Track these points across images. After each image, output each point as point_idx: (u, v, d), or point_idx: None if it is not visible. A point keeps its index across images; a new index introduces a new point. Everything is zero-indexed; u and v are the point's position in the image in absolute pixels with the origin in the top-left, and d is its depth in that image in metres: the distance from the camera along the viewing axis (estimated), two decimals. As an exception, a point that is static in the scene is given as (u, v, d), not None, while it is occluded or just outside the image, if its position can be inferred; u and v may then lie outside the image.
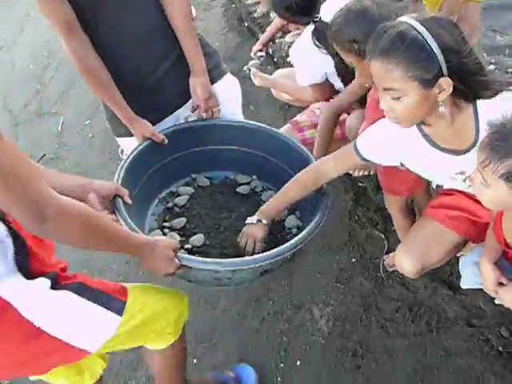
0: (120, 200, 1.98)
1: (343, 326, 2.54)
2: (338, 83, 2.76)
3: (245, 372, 2.47)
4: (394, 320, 2.47)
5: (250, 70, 3.33)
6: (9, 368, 1.58)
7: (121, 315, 1.65)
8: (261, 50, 3.94)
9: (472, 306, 2.38)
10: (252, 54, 3.85)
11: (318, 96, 2.94)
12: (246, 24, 4.97)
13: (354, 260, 2.78)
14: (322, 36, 2.54)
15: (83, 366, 1.93)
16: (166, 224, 2.33)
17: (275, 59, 4.27)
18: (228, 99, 2.57)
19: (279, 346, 2.57)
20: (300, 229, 2.30)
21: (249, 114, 4.02)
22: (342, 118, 2.74)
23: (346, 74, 2.58)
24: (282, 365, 2.50)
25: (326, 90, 2.88)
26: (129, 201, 2.01)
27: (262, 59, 3.85)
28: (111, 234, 1.51)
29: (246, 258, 1.94)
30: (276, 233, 2.30)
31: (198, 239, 2.21)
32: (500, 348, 2.22)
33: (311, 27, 2.64)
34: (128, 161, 2.23)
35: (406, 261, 2.08)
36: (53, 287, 1.53)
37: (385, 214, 2.86)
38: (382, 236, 2.79)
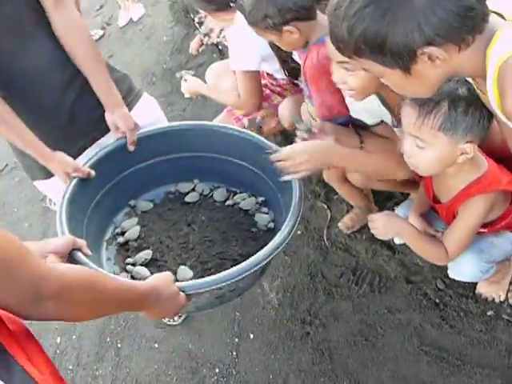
0: (79, 254, 1.68)
1: (292, 296, 2.61)
2: (274, 66, 2.80)
3: None
4: (339, 285, 2.55)
5: (181, 76, 3.32)
6: None
7: None
8: (201, 46, 3.98)
9: (410, 264, 2.47)
10: (193, 52, 3.89)
11: (247, 93, 2.79)
12: (192, 16, 5.02)
13: (299, 232, 2.85)
14: None
15: None
16: (129, 260, 2.06)
17: (220, 47, 4.33)
18: (151, 122, 2.30)
19: (233, 322, 2.65)
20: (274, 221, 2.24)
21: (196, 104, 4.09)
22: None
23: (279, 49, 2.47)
24: (236, 339, 2.57)
25: (257, 88, 2.80)
26: (88, 252, 1.71)
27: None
28: (119, 292, 1.30)
29: (245, 263, 1.74)
30: (249, 227, 2.23)
31: (184, 272, 1.98)
32: (436, 300, 2.31)
33: None
34: (63, 210, 1.92)
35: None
36: None
37: (327, 186, 2.94)
38: (325, 206, 2.87)
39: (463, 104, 1.57)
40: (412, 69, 1.23)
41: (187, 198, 2.37)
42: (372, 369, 2.24)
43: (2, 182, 4.68)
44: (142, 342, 2.75)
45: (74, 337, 2.92)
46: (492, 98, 1.29)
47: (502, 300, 2.18)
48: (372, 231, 1.91)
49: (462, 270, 1.93)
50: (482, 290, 2.22)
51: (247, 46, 2.69)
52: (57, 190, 2.16)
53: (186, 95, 3.23)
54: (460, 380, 2.09)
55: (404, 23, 1.14)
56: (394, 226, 1.88)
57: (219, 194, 2.38)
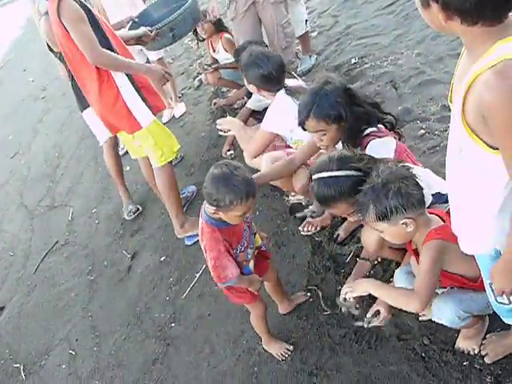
0: None
1: (302, 353, 3.01)
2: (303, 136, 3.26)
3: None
4: (342, 343, 2.94)
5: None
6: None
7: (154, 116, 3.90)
8: (229, 150, 4.65)
9: (402, 325, 2.84)
10: (223, 154, 4.50)
11: (253, 146, 3.55)
12: (228, 115, 5.64)
13: (311, 300, 3.28)
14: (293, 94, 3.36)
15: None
16: None
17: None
18: None
19: (251, 376, 3.05)
20: None
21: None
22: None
23: None
24: (253, 390, 2.97)
25: (262, 147, 3.52)
26: None
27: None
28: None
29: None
30: None
31: None
32: (422, 354, 2.67)
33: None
34: None
35: None
36: None
37: (337, 260, 3.39)
38: (334, 279, 3.29)
39: (383, 196, 2.09)
40: None
41: None
42: (367, 411, 2.61)
43: (53, 258, 5.23)
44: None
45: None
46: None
47: (475, 352, 2.54)
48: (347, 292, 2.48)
49: (443, 314, 2.33)
50: (460, 344, 2.59)
51: (281, 116, 3.42)
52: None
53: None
54: (440, 420, 2.44)
55: None
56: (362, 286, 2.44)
57: None
